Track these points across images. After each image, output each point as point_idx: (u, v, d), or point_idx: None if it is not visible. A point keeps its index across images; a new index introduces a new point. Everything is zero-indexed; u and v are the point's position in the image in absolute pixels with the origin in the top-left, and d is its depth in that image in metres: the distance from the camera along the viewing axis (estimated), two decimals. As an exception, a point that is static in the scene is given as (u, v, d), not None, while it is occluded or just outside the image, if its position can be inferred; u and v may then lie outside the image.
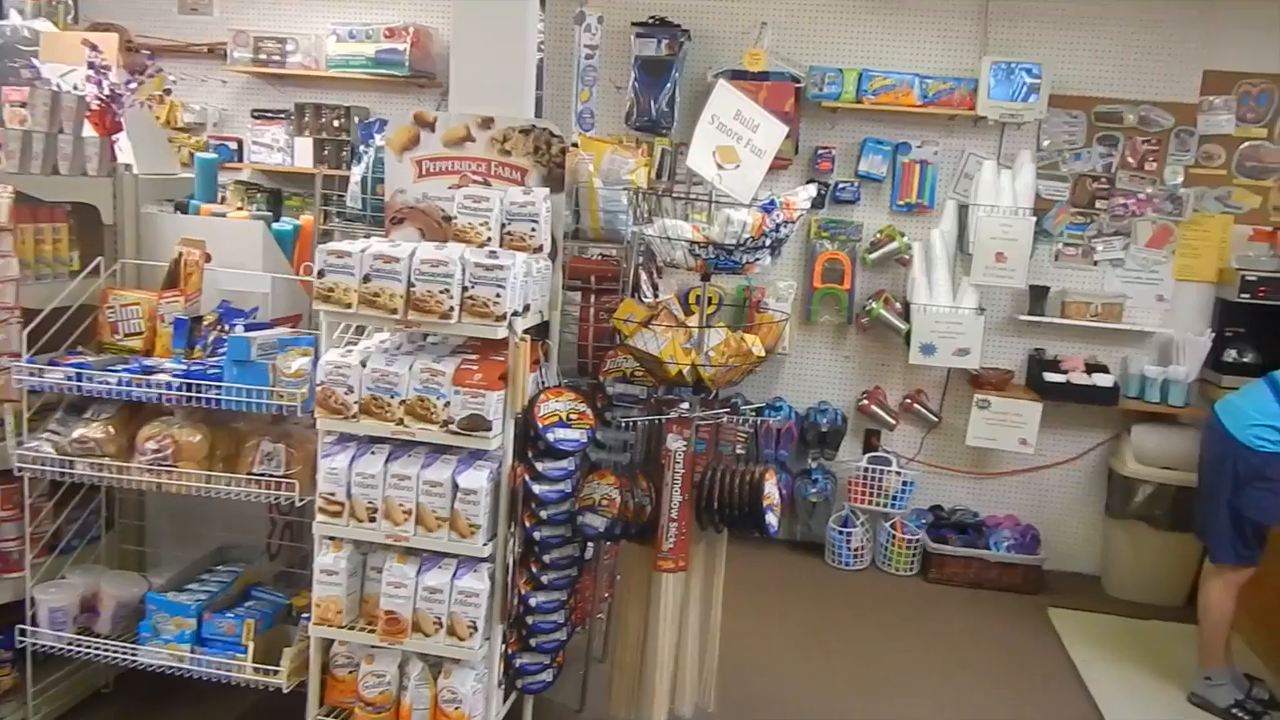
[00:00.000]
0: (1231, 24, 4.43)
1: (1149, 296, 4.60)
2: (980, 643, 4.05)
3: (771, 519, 2.62)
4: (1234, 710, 3.51)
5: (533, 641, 2.62)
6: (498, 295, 2.35)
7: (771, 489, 2.64)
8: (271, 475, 2.60)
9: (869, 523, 4.73)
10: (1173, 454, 4.39)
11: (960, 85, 4.45)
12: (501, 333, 2.37)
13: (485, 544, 2.43)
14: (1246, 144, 4.50)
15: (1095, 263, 4.65)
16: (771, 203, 2.53)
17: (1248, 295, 4.28)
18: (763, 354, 2.72)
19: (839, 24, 4.68)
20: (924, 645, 3.98)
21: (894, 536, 4.65)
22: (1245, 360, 4.40)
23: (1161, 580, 4.49)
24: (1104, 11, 4.50)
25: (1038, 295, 4.60)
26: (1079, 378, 4.51)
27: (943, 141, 4.66)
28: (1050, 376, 4.52)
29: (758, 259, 2.58)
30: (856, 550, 4.68)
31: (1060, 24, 4.52)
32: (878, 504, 4.70)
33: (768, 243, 2.55)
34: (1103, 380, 4.50)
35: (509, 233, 2.60)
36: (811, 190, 2.64)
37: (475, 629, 2.42)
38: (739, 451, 3.00)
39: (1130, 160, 4.55)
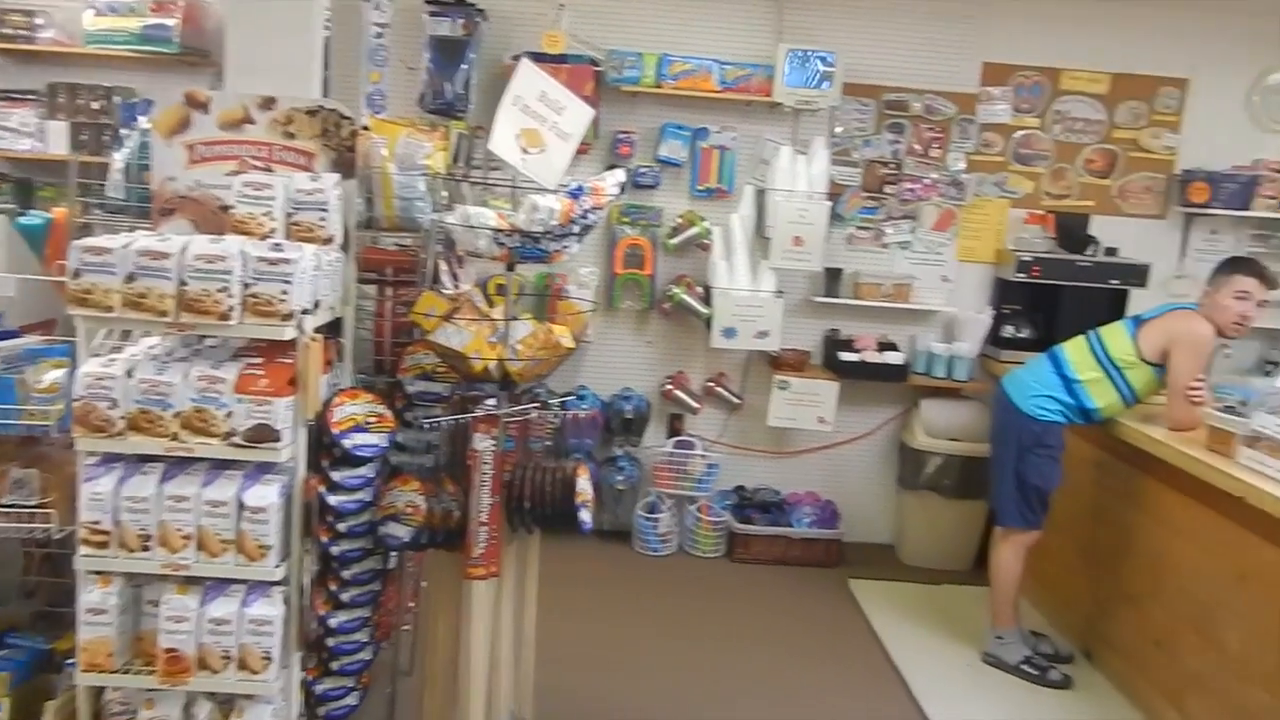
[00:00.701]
0: (1007, 18, 4.68)
1: (934, 277, 4.82)
2: (787, 617, 4.15)
3: (585, 516, 2.53)
4: (1023, 666, 3.74)
5: (334, 665, 2.42)
6: (284, 292, 2.13)
7: (584, 485, 2.55)
8: (23, 505, 2.28)
9: (675, 507, 4.75)
10: (959, 426, 4.64)
11: (758, 71, 4.50)
12: (289, 333, 2.16)
13: (277, 566, 2.22)
14: (1021, 133, 4.78)
15: (885, 245, 4.83)
16: (579, 188, 2.43)
17: (1023, 275, 4.55)
18: (573, 345, 2.63)
19: (639, 8, 4.62)
20: (734, 624, 4.03)
21: (700, 519, 4.69)
22: (1022, 335, 4.70)
23: (952, 547, 4.74)
24: (893, 4, 4.65)
25: (832, 277, 4.73)
26: (872, 356, 4.68)
27: (741, 127, 4.70)
28: (845, 356, 4.67)
29: (566, 247, 2.48)
30: (664, 535, 4.69)
31: (852, 14, 4.65)
32: (683, 488, 4.72)
33: (576, 230, 2.45)
34: (894, 358, 4.68)
35: (295, 223, 2.38)
36: (620, 175, 2.56)
37: (270, 659, 2.21)
38: (546, 444, 2.91)
39: (917, 147, 4.75)
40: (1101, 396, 3.61)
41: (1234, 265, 3.56)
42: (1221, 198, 4.62)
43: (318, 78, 2.78)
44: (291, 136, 2.51)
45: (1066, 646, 3.94)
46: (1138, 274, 4.55)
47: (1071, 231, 4.66)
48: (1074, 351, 3.71)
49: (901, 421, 4.93)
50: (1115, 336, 3.65)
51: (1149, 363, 3.55)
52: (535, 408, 2.57)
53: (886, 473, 4.97)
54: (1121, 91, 4.74)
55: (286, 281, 2.13)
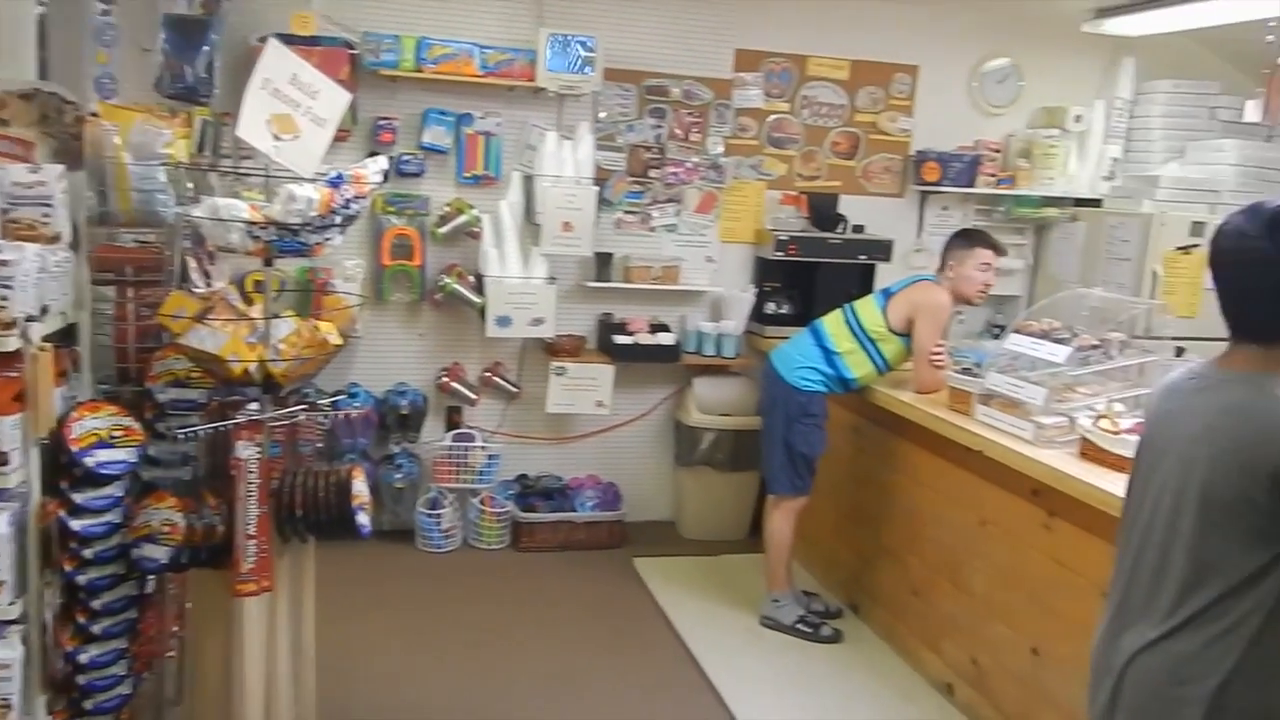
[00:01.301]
0: (757, 7, 4.85)
1: (700, 258, 4.97)
2: (575, 601, 4.17)
3: (363, 519, 2.44)
4: (798, 625, 3.94)
5: (88, 704, 2.22)
6: (3, 298, 1.91)
7: (360, 487, 2.45)
8: None
9: (457, 501, 4.67)
10: (729, 402, 4.82)
11: (519, 56, 4.45)
12: (13, 343, 1.93)
13: (12, 603, 1.99)
14: (773, 117, 4.99)
15: (652, 229, 4.92)
16: (339, 176, 2.32)
17: (781, 253, 4.77)
18: (341, 342, 2.51)
19: (392, -12, 4.46)
20: (523, 614, 4.02)
21: (484, 512, 4.64)
22: (783, 311, 4.93)
23: (729, 518, 4.92)
24: (649, -10, 4.74)
25: (603, 262, 4.78)
26: (645, 338, 4.76)
27: (505, 113, 4.64)
28: (619, 339, 4.74)
29: (328, 239, 2.36)
30: (447, 531, 4.60)
31: (611, 0, 4.69)
32: (465, 481, 4.64)
33: (338, 220, 2.34)
34: (665, 339, 4.79)
35: (13, 220, 2.13)
36: (383, 162, 2.46)
37: (9, 707, 1.98)
38: (318, 447, 2.77)
39: (678, 132, 4.86)
40: (858, 367, 3.85)
41: (972, 239, 3.87)
42: (950, 176, 5.03)
43: (33, 58, 2.50)
44: (4, 124, 2.24)
45: (835, 603, 4.19)
46: (883, 249, 4.87)
47: (823, 211, 4.92)
48: (832, 325, 3.93)
49: (676, 400, 5.06)
50: (867, 310, 3.90)
51: (897, 333, 3.82)
52: (302, 409, 2.44)
53: (664, 451, 5.09)
54: (861, 78, 5.05)
55: (6, 286, 1.91)
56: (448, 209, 4.56)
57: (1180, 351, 4.61)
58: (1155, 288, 4.66)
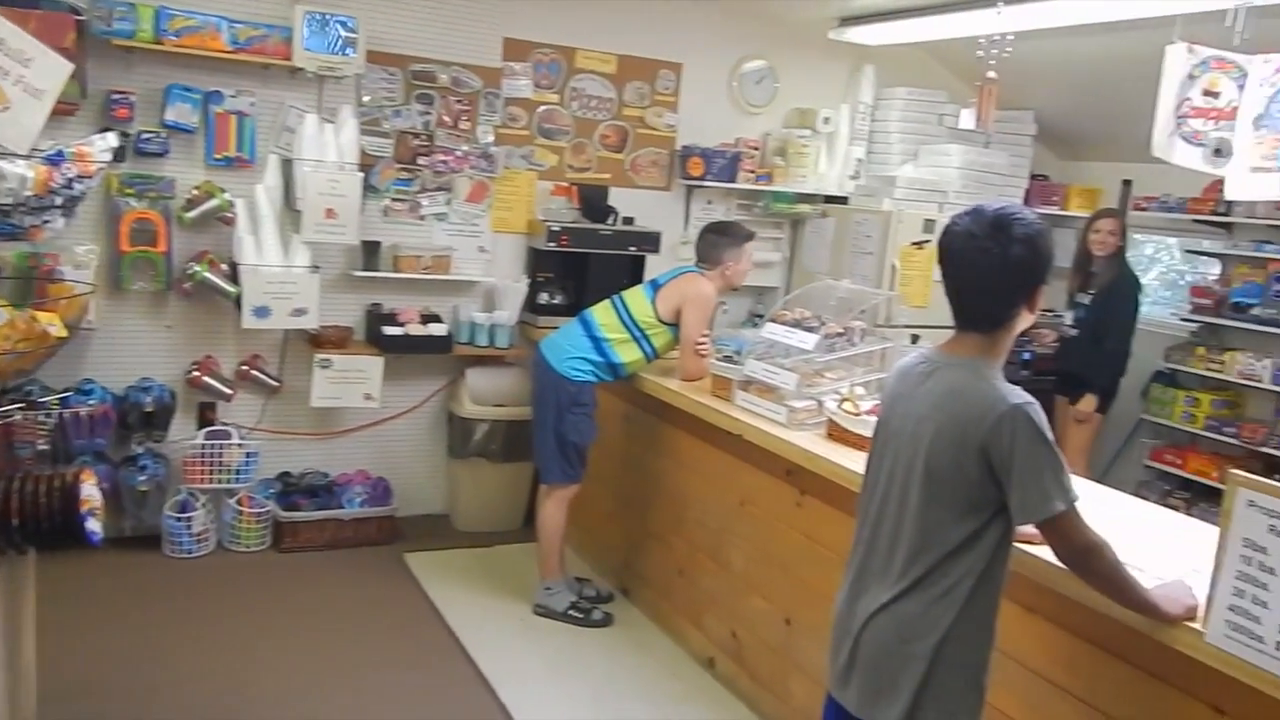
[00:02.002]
0: (526, -3, 4.86)
1: (472, 248, 4.91)
2: (344, 601, 4.03)
3: (93, 526, 2.24)
4: (570, 611, 3.98)
5: None
6: None
7: (91, 490, 2.26)
8: None
9: (212, 502, 4.40)
10: (503, 392, 4.80)
11: (273, 33, 4.22)
12: None
13: None
14: (543, 107, 5.00)
15: (422, 217, 4.82)
16: (59, 153, 2.12)
17: (553, 244, 4.79)
18: (65, 334, 2.30)
19: (127, -50, 4.11)
20: (287, 618, 3.84)
21: (241, 512, 4.39)
22: (556, 302, 4.96)
23: (503, 509, 4.91)
24: (413, -27, 4.62)
25: (370, 251, 4.63)
26: (416, 329, 4.66)
27: (260, 92, 4.40)
28: (389, 330, 4.61)
29: (47, 221, 2.16)
30: (199, 535, 4.32)
31: (373, -20, 4.54)
32: (220, 481, 4.38)
33: (59, 201, 2.14)
34: (437, 329, 4.71)
35: None
36: (112, 139, 2.29)
37: None
38: (41, 449, 2.53)
39: (446, 119, 4.78)
40: (627, 354, 3.93)
41: (739, 235, 4.02)
42: (713, 171, 5.23)
43: None
44: None
45: (606, 587, 4.27)
46: (651, 241, 5.00)
47: (593, 202, 4.99)
48: (602, 315, 3.99)
49: (449, 392, 4.98)
50: (636, 300, 3.98)
51: (666, 323, 3.93)
52: (18, 408, 2.22)
53: (437, 443, 5.01)
54: (628, 72, 5.15)
55: None
56: (196, 192, 4.27)
57: (915, 338, 5.02)
58: (894, 280, 5.04)
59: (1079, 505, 1.89)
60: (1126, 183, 5.84)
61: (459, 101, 4.78)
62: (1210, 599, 1.96)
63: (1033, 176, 6.04)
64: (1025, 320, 1.98)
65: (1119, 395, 5.20)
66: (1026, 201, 5.92)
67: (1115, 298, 4.92)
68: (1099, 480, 5.19)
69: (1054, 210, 6.00)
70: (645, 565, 4.18)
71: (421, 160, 4.76)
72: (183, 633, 3.65)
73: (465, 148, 4.83)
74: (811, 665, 3.13)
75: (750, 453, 3.43)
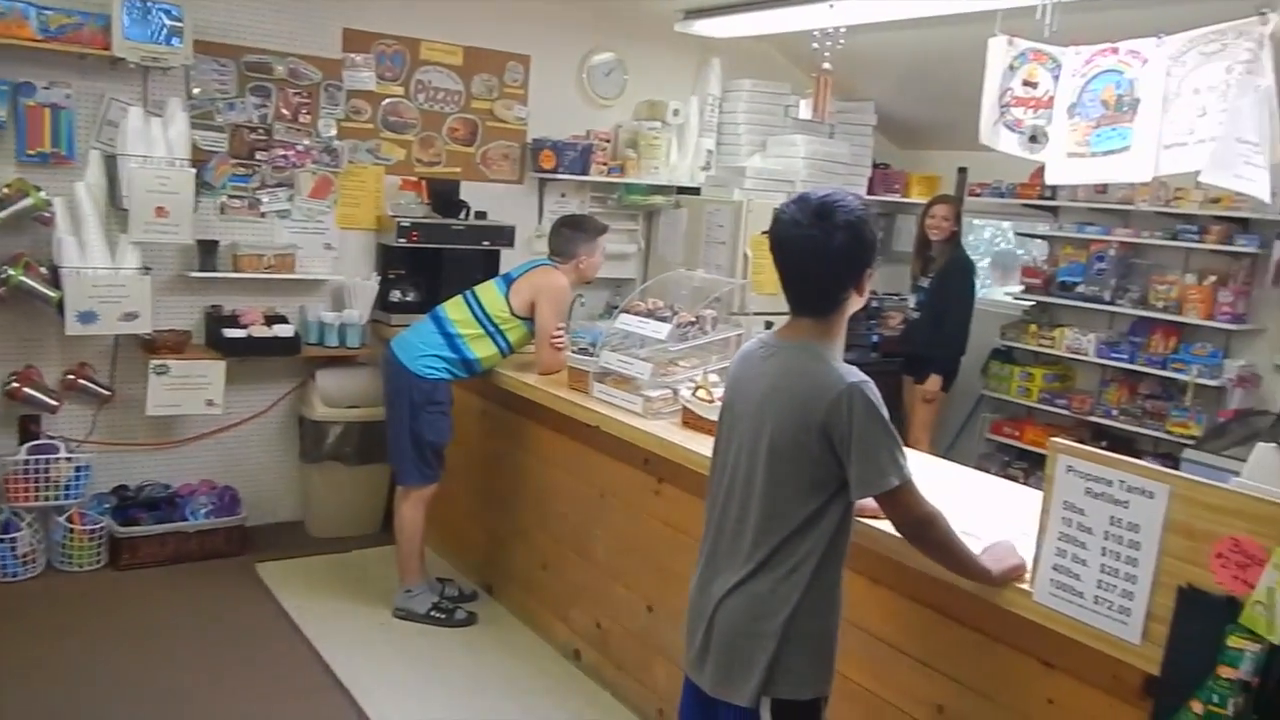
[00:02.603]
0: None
1: (318, 245, 4.75)
2: (190, 618, 3.85)
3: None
4: (432, 613, 3.92)
5: None
6: None
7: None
8: None
9: (39, 521, 4.13)
10: (356, 393, 4.67)
11: (89, 21, 3.96)
12: None
13: None
14: (388, 100, 4.88)
15: (263, 214, 4.63)
16: None
17: (404, 240, 4.68)
18: None
19: (-80, -70, 3.81)
20: (129, 639, 3.64)
21: (72, 530, 4.13)
22: (409, 299, 4.86)
23: (359, 512, 4.78)
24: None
25: (207, 250, 4.42)
26: (260, 331, 4.48)
27: (77, 83, 4.13)
28: (230, 333, 4.42)
29: None
30: (25, 556, 4.04)
31: (198, -34, 4.33)
32: (47, 498, 4.11)
33: None
34: (283, 330, 4.54)
35: None
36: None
37: None
38: None
39: (285, 112, 4.60)
40: (482, 349, 3.88)
41: (592, 229, 4.03)
42: (565, 164, 5.21)
43: None
44: None
45: (470, 586, 4.22)
46: (505, 235, 4.95)
47: (444, 197, 4.90)
48: (454, 311, 3.93)
49: (299, 395, 4.82)
50: (489, 295, 3.94)
51: (520, 317, 3.90)
52: None
53: (288, 448, 4.84)
54: (475, 64, 5.08)
55: None
56: (7, 190, 3.97)
57: (769, 325, 5.12)
58: (747, 268, 5.14)
59: (914, 479, 1.97)
60: (962, 170, 6.11)
61: (298, 94, 4.62)
62: (1036, 560, 2.08)
63: (875, 165, 6.26)
64: (855, 303, 2.06)
65: (961, 373, 5.46)
66: (870, 189, 6.15)
67: (950, 280, 5.16)
68: (944, 455, 5.45)
69: (896, 198, 6.25)
70: (509, 561, 4.14)
71: (260, 155, 4.57)
72: (10, 661, 3.42)
73: (306, 142, 4.66)
74: (674, 649, 3.15)
75: (609, 444, 3.44)
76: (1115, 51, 3.16)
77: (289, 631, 3.79)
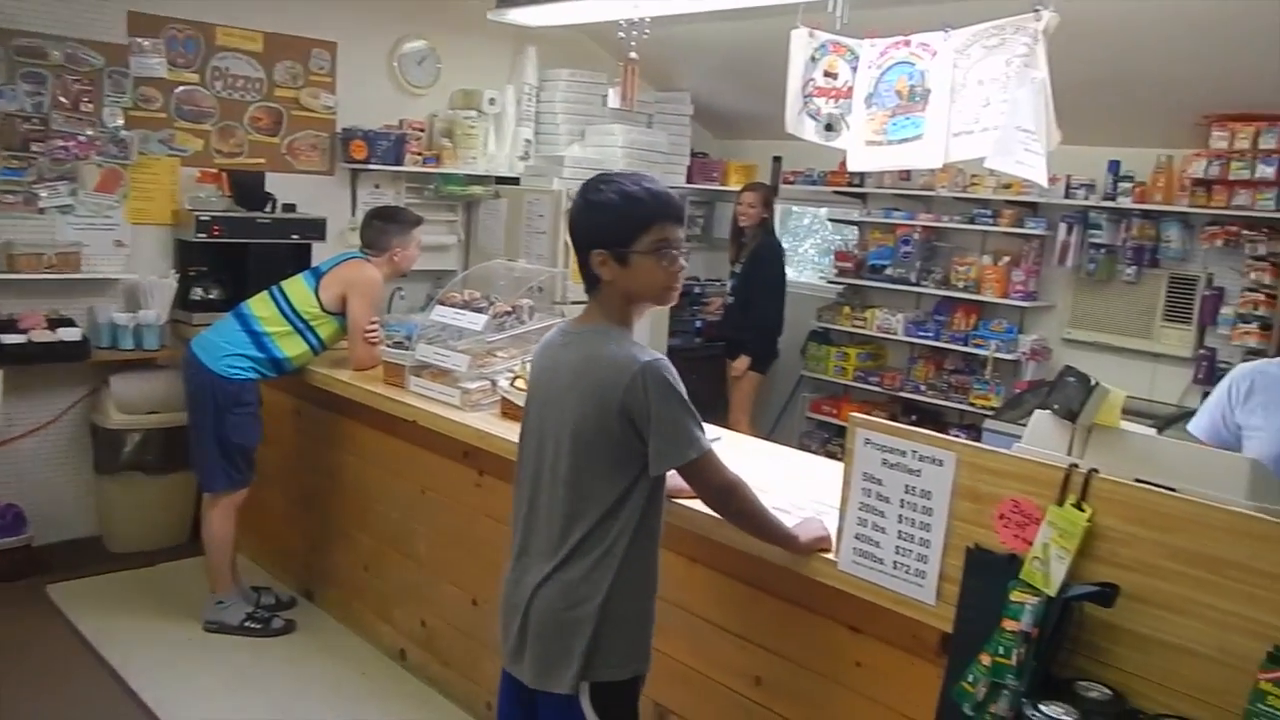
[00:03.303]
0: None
1: (107, 242, 4.43)
2: (-26, 652, 3.54)
3: None
4: (246, 623, 3.74)
5: None
6: None
7: None
8: None
9: None
10: (156, 398, 4.39)
11: None
12: None
13: None
14: (181, 88, 4.60)
15: (42, 210, 4.27)
16: None
17: (204, 235, 4.43)
18: None
19: None
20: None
21: None
22: (212, 297, 4.60)
23: (165, 524, 4.50)
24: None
25: (-21, 249, 4.06)
26: (42, 335, 4.14)
27: None
28: (8, 338, 4.06)
29: None
30: None
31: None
32: None
33: None
34: (70, 334, 4.21)
35: None
36: None
37: None
38: None
39: (64, 100, 4.26)
40: (291, 347, 3.72)
41: (405, 220, 3.92)
42: (378, 154, 5.06)
43: None
44: None
45: (287, 593, 4.05)
46: (316, 228, 4.76)
47: (248, 189, 4.67)
48: (260, 308, 3.75)
49: (90, 402, 4.48)
50: (297, 290, 3.78)
51: (331, 313, 3.75)
52: None
53: (80, 460, 4.50)
54: (277, 51, 4.85)
55: None
56: None
57: (593, 314, 5.14)
58: (568, 257, 5.13)
59: (713, 450, 2.01)
60: (777, 159, 6.29)
61: (78, 81, 4.28)
62: (840, 530, 2.16)
63: (693, 154, 6.37)
64: (624, 279, 2.00)
65: (782, 354, 5.63)
66: (689, 178, 6.26)
67: (759, 265, 5.34)
68: (768, 435, 5.62)
69: (714, 186, 6.37)
70: (329, 565, 4.00)
71: (36, 147, 4.21)
72: None
73: (90, 132, 4.33)
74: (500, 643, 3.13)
75: (428, 438, 3.37)
76: (907, 44, 3.30)
77: (87, 657, 3.53)
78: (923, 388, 5.72)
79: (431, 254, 5.23)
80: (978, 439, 5.12)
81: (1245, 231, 4.56)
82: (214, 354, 3.64)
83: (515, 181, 5.53)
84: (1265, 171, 4.35)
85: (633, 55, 3.43)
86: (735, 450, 3.09)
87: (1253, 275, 4.58)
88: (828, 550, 2.18)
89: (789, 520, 2.21)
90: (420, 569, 3.53)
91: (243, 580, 3.89)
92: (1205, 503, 1.69)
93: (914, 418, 5.75)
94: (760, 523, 2.12)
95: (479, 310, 3.43)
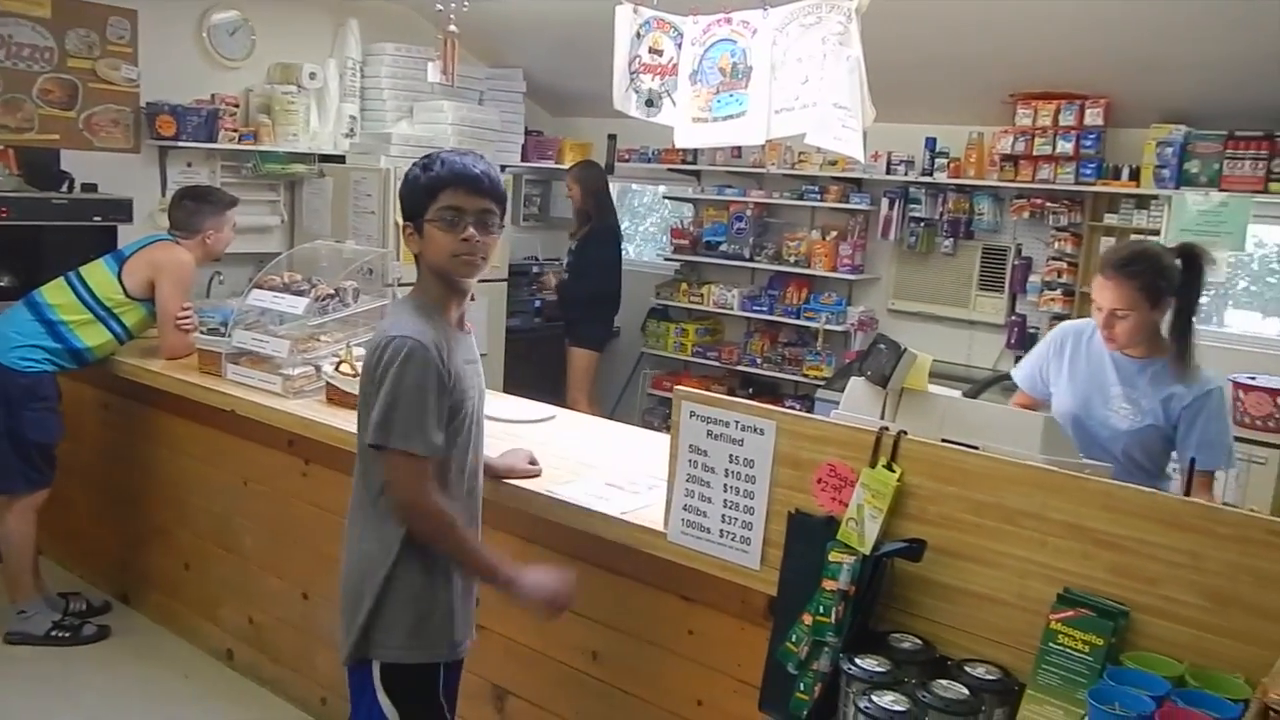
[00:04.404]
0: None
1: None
2: None
3: None
4: (54, 633, 3.49)
5: None
6: None
7: None
8: None
9: None
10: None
11: None
12: None
13: None
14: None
15: None
16: None
17: (-8, 217, 4.08)
18: None
19: None
20: None
21: None
22: (2, 284, 4.24)
23: (-42, 533, 4.14)
24: None
25: None
26: None
27: None
28: None
29: None
30: None
31: None
32: None
33: None
34: None
35: None
36: None
37: None
38: None
39: None
40: (92, 337, 3.48)
41: (219, 201, 3.71)
42: (188, 131, 4.76)
43: None
44: None
45: (100, 597, 3.80)
46: (122, 209, 4.44)
47: (40, 167, 4.32)
48: (55, 295, 3.49)
49: None
50: (98, 275, 3.53)
51: (137, 299, 3.52)
52: None
53: None
54: (67, 18, 4.47)
55: None
56: None
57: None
58: (398, 238, 4.99)
59: (418, 459, 1.92)
60: (612, 136, 6.30)
61: None
62: (668, 502, 2.18)
63: (528, 132, 6.30)
64: (416, 249, 2.02)
65: (621, 333, 5.66)
66: (524, 156, 6.19)
67: (591, 244, 5.35)
68: (610, 413, 5.64)
69: (550, 164, 6.32)
70: (146, 565, 3.77)
71: None
72: None
73: None
74: (334, 635, 3.02)
75: (250, 428, 3.21)
76: (729, 22, 3.33)
77: None
78: (759, 361, 5.86)
79: (252, 236, 5.00)
80: (811, 409, 5.31)
81: (1049, 204, 4.86)
82: (3, 346, 3.36)
83: (341, 160, 5.33)
84: (1065, 147, 4.64)
85: (452, 28, 3.34)
86: (572, 430, 3.10)
87: (1056, 245, 4.89)
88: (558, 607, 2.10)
89: (624, 499, 2.24)
90: (246, 564, 3.37)
91: (47, 586, 3.63)
92: (1002, 458, 1.79)
93: (750, 390, 5.89)
94: (453, 541, 2.01)
95: (300, 293, 3.29)
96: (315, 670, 3.15)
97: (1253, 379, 4.39)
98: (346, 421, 2.87)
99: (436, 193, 1.95)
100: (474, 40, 5.72)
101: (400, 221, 2.07)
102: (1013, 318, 5.09)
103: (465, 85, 5.51)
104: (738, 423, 2.06)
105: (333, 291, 3.32)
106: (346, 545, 2.08)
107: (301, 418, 2.99)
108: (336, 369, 3.07)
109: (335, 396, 3.07)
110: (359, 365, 3.07)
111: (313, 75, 5.19)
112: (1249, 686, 1.48)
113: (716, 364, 6.01)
